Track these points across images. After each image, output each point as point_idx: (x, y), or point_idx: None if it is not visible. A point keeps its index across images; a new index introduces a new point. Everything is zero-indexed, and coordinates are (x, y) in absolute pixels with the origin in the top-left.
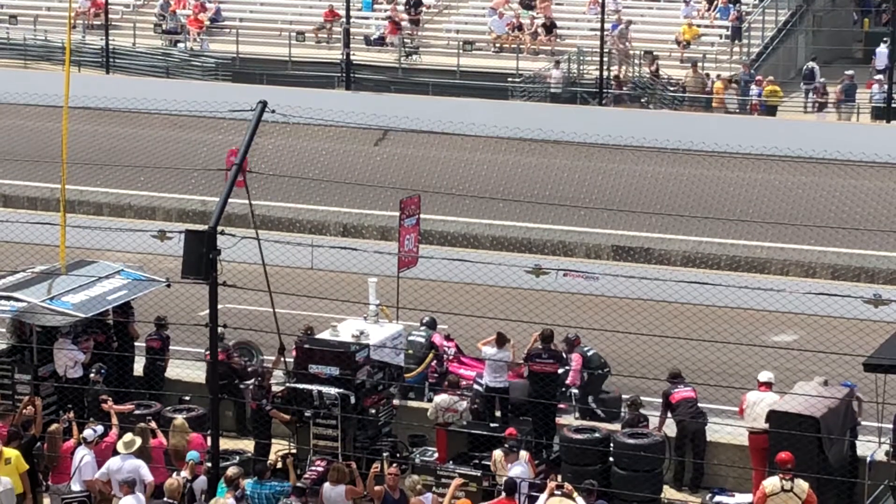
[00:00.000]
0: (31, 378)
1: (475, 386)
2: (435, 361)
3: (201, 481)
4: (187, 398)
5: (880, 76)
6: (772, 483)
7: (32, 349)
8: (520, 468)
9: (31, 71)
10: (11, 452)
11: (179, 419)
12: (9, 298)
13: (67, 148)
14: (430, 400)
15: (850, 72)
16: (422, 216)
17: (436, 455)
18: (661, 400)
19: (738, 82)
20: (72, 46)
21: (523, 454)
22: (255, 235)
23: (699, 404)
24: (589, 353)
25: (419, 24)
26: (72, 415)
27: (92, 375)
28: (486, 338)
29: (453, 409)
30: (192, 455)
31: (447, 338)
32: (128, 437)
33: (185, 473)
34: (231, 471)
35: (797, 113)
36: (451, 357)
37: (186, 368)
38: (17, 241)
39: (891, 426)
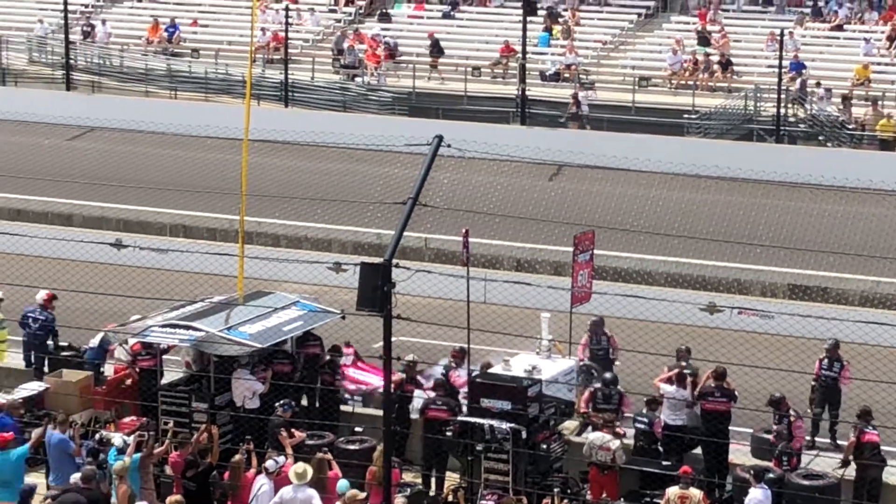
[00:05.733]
0: (207, 407)
1: (636, 424)
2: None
3: None
4: (359, 429)
5: None
6: None
7: (210, 378)
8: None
9: (212, 104)
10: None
11: (318, 455)
12: (188, 328)
13: (247, 180)
14: None
15: None
16: (596, 252)
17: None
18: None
19: None
20: (252, 80)
21: (696, 492)
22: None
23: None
24: None
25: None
26: (251, 445)
27: (279, 412)
28: (663, 374)
29: (606, 447)
30: (342, 485)
31: (346, 344)
32: (300, 467)
33: None
34: (398, 502)
35: None
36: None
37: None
38: (197, 271)
39: None
